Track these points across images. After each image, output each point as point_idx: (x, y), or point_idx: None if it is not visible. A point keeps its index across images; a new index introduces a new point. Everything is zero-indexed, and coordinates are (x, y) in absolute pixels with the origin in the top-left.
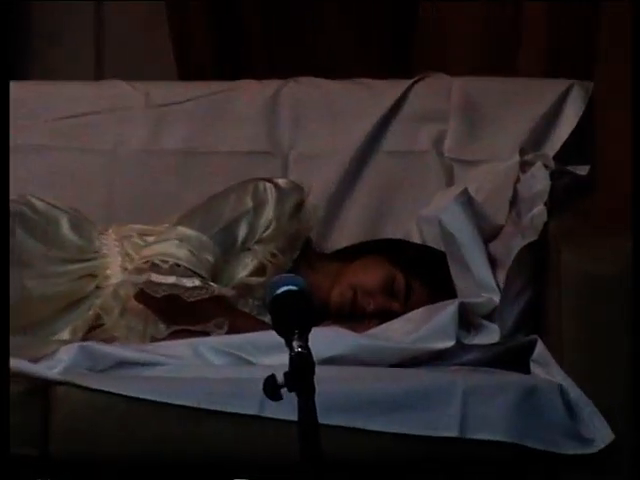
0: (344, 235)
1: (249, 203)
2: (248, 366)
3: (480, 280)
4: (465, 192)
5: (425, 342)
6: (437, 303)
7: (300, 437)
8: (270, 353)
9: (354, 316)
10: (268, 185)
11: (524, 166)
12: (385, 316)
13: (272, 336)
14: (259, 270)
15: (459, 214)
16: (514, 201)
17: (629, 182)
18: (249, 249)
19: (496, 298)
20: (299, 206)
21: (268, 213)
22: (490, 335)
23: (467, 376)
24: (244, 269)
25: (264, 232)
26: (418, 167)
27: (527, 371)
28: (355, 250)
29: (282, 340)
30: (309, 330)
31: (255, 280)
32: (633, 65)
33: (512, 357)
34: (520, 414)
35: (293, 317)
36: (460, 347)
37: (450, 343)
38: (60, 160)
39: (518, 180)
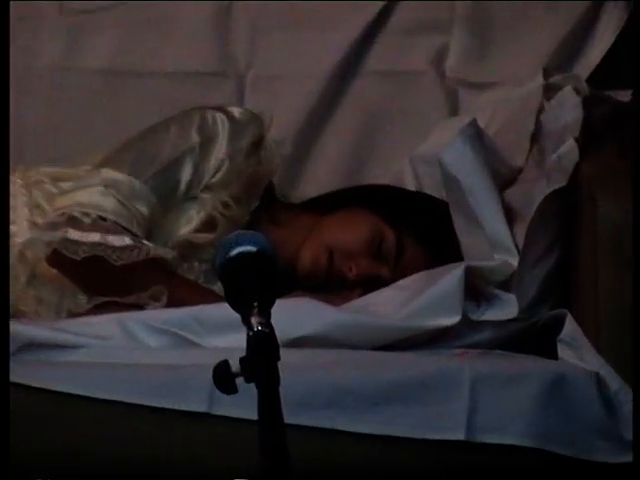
0: (317, 180)
1: (194, 138)
2: (193, 349)
3: (493, 237)
4: (473, 124)
5: (422, 318)
6: (437, 268)
7: (260, 440)
8: (221, 332)
9: (330, 284)
10: (219, 115)
11: (549, 91)
12: (370, 285)
13: (224, 310)
14: (207, 225)
15: (465, 152)
16: (536, 136)
17: None
18: (194, 198)
19: (513, 261)
20: (258, 142)
21: (219, 151)
22: (506, 309)
23: (476, 362)
24: (188, 223)
25: (214, 176)
26: (412, 92)
27: (553, 355)
28: (331, 200)
29: (237, 315)
30: (272, 302)
31: (202, 237)
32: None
33: (534, 337)
34: (544, 411)
35: (251, 286)
36: (467, 324)
37: (454, 319)
38: None
39: (542, 109)
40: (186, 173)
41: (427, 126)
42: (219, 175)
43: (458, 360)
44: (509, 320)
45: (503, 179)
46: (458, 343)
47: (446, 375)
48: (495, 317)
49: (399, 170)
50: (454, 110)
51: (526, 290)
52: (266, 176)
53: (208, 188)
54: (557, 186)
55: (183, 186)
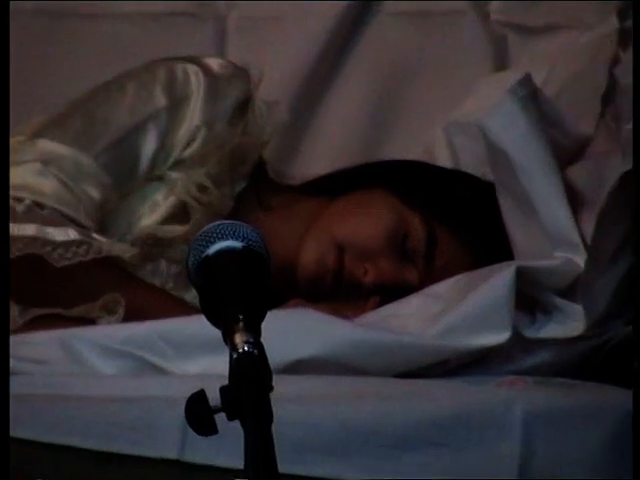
0: (321, 155)
1: (160, 99)
2: (158, 376)
3: (552, 228)
4: (526, 81)
5: (460, 335)
6: (480, 269)
7: None
8: (196, 354)
9: (339, 291)
10: (192, 69)
11: (625, 38)
12: (392, 292)
13: (199, 325)
14: (178, 213)
15: (516, 118)
16: (610, 96)
17: None
18: (161, 178)
19: (580, 260)
20: (244, 105)
21: (192, 116)
22: (569, 323)
23: (531, 393)
24: (152, 212)
25: (186, 148)
26: (447, 39)
27: (630, 384)
28: (340, 180)
29: (216, 332)
30: (263, 315)
31: (171, 230)
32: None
33: (605, 360)
34: (617, 457)
35: (236, 293)
36: (519, 344)
37: (503, 337)
38: None
39: (616, 61)
40: (149, 145)
41: (466, 83)
42: (193, 148)
43: (507, 391)
44: (573, 338)
45: (566, 153)
46: (507, 369)
47: (492, 410)
48: (555, 334)
49: (429, 141)
50: (501, 62)
51: (596, 299)
52: (255, 149)
53: (179, 165)
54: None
55: (145, 162)
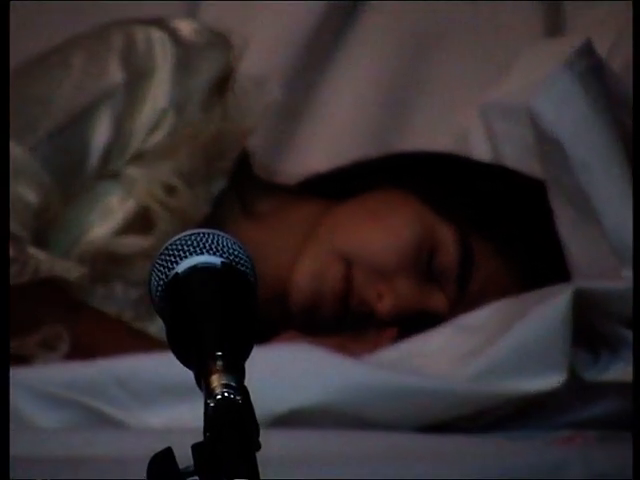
0: (322, 147)
1: (115, 74)
2: (113, 431)
3: (620, 241)
4: (587, 50)
5: (501, 378)
6: (527, 293)
7: None
8: (160, 402)
9: (345, 321)
10: (158, 35)
11: None
12: (415, 322)
13: (165, 365)
14: (139, 221)
15: (574, 98)
16: None
17: None
18: (116, 175)
19: None
20: (223, 82)
21: (157, 96)
22: None
23: (593, 453)
24: (106, 219)
25: (148, 138)
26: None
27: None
28: (347, 179)
29: (187, 374)
30: (247, 352)
31: (129, 244)
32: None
33: None
34: None
35: (212, 323)
36: (578, 389)
37: (557, 380)
38: None
39: None
40: (101, 133)
41: (508, 53)
42: (157, 137)
43: (562, 450)
44: None
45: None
46: (562, 420)
47: (543, 475)
48: (624, 377)
49: (462, 128)
50: (554, 26)
51: None
52: (237, 139)
53: (139, 159)
54: None
55: (96, 155)
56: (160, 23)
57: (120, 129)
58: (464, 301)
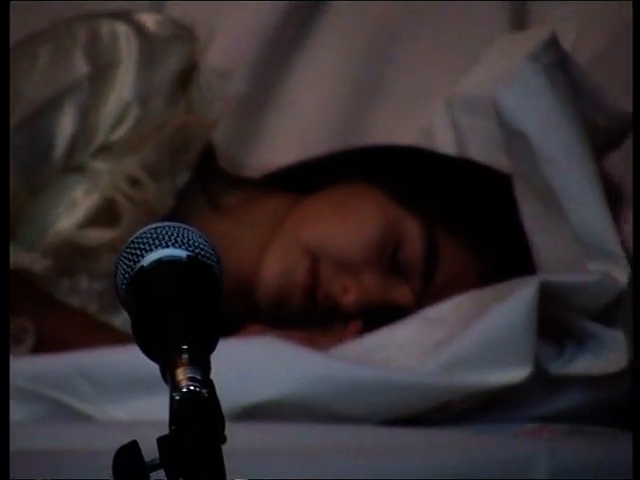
0: (287, 139)
1: (80, 66)
2: (78, 424)
3: (586, 234)
4: (552, 43)
5: (467, 371)
6: (493, 286)
7: None
8: (126, 395)
9: (312, 315)
10: (122, 28)
11: None
12: (380, 315)
13: (131, 358)
14: (104, 214)
15: (539, 91)
16: None
17: None
18: (81, 168)
19: (620, 274)
20: (188, 75)
21: (122, 89)
22: (609, 356)
23: (559, 446)
24: (70, 211)
25: (113, 131)
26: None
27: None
28: (312, 172)
29: (153, 367)
30: (213, 345)
31: (95, 236)
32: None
33: None
34: None
35: (178, 317)
36: (544, 381)
37: (523, 373)
38: None
39: None
40: (66, 125)
41: (474, 47)
42: (122, 129)
43: (528, 442)
44: (613, 375)
45: (604, 137)
46: (528, 414)
47: (510, 467)
48: (590, 370)
49: (428, 121)
50: (520, 20)
51: None
52: (202, 132)
53: (104, 151)
54: None
55: (61, 148)
56: (125, 16)
57: (85, 122)
58: (430, 294)
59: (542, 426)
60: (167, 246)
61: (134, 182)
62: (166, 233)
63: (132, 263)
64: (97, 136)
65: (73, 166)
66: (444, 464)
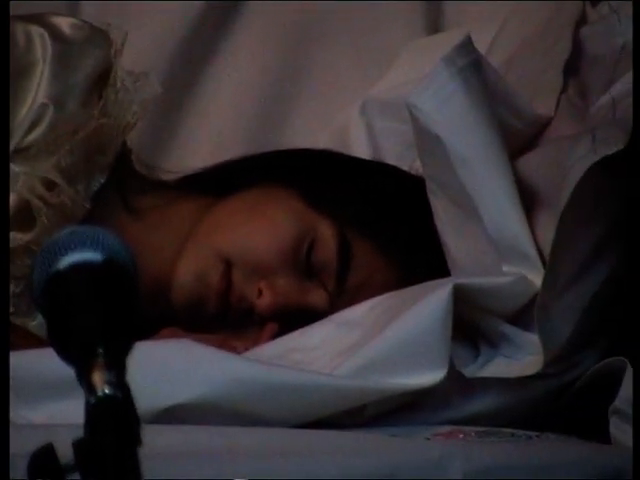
0: (202, 142)
1: None
2: None
3: (500, 237)
4: (467, 46)
5: (380, 374)
6: (406, 288)
7: None
8: (41, 399)
9: (226, 318)
10: (37, 31)
11: None
12: (294, 318)
13: (46, 362)
14: (19, 217)
15: (453, 94)
16: (575, 65)
17: None
18: None
19: (535, 276)
20: (103, 78)
21: (37, 91)
22: (524, 358)
23: (473, 449)
24: None
25: (28, 134)
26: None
27: (602, 437)
28: (227, 175)
29: (68, 370)
30: (129, 348)
31: (10, 239)
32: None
33: (569, 405)
34: None
35: (93, 319)
36: (458, 384)
37: (437, 376)
38: None
39: (582, 21)
40: None
41: (389, 49)
42: (38, 132)
43: (442, 446)
44: (528, 377)
45: (518, 139)
46: (442, 417)
47: (422, 470)
48: (504, 372)
49: (342, 124)
50: (434, 22)
51: (557, 326)
52: (117, 134)
53: (19, 155)
54: (610, 150)
55: None
56: (39, 19)
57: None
58: (345, 296)
59: (457, 429)
60: (82, 249)
61: (49, 185)
62: (80, 237)
63: (47, 267)
64: (12, 139)
65: None
66: (359, 467)
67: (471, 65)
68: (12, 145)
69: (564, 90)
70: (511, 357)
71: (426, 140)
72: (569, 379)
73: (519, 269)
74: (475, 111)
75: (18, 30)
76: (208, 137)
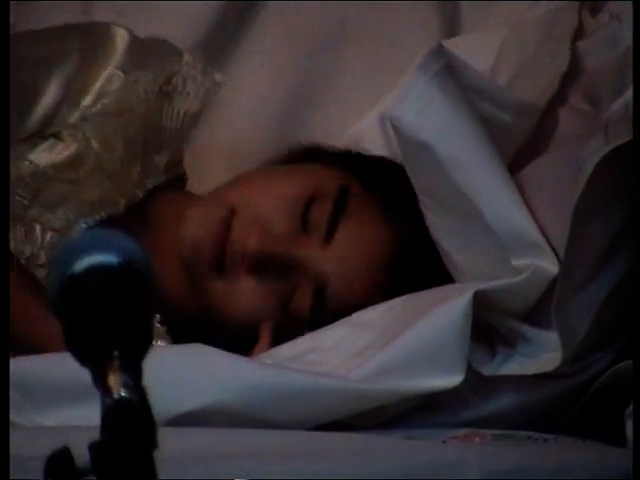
0: (220, 147)
1: (73, 39)
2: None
3: (504, 229)
4: (438, 51)
5: (397, 376)
6: (424, 291)
7: None
8: (55, 403)
9: (223, 267)
10: (117, 28)
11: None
12: (281, 270)
13: (60, 364)
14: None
15: (432, 99)
16: (575, 79)
17: None
18: (54, 135)
19: (549, 264)
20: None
21: (111, 63)
22: (541, 355)
23: (490, 452)
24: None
25: (98, 100)
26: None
27: (618, 439)
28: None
29: (84, 373)
30: (145, 351)
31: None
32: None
33: (586, 406)
34: None
35: (109, 322)
36: (475, 384)
37: (455, 379)
38: None
39: (579, 34)
40: (50, 91)
41: (406, 55)
42: (106, 100)
43: (458, 449)
44: (546, 376)
45: (509, 129)
46: (458, 419)
47: (438, 473)
48: (522, 370)
49: (359, 132)
50: (450, 29)
51: (574, 323)
52: (177, 140)
53: (84, 122)
54: (622, 140)
55: (40, 111)
56: (120, 25)
57: (70, 91)
58: (333, 251)
59: (473, 431)
60: (99, 252)
61: (107, 146)
62: (98, 239)
63: (63, 269)
64: (81, 104)
65: (47, 134)
66: (375, 469)
67: (445, 67)
68: (79, 111)
69: (564, 102)
70: (528, 355)
71: (412, 149)
72: (584, 379)
73: (530, 259)
74: (457, 111)
75: (99, 25)
76: (222, 145)
